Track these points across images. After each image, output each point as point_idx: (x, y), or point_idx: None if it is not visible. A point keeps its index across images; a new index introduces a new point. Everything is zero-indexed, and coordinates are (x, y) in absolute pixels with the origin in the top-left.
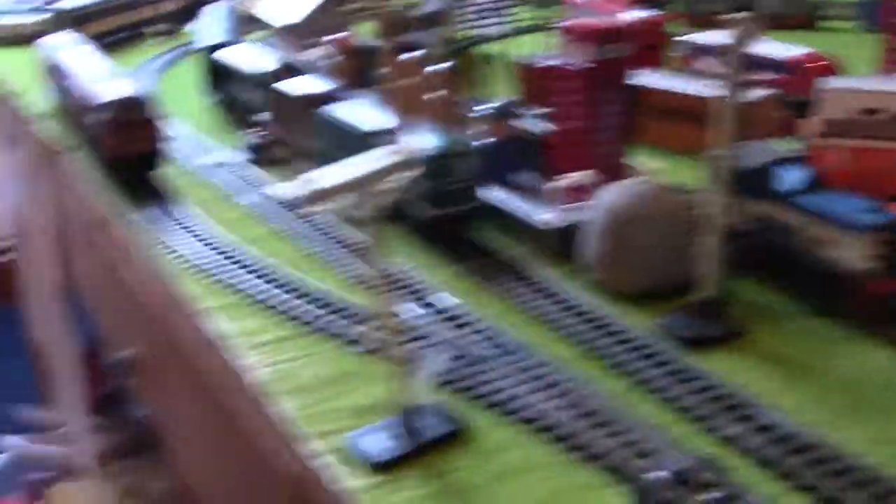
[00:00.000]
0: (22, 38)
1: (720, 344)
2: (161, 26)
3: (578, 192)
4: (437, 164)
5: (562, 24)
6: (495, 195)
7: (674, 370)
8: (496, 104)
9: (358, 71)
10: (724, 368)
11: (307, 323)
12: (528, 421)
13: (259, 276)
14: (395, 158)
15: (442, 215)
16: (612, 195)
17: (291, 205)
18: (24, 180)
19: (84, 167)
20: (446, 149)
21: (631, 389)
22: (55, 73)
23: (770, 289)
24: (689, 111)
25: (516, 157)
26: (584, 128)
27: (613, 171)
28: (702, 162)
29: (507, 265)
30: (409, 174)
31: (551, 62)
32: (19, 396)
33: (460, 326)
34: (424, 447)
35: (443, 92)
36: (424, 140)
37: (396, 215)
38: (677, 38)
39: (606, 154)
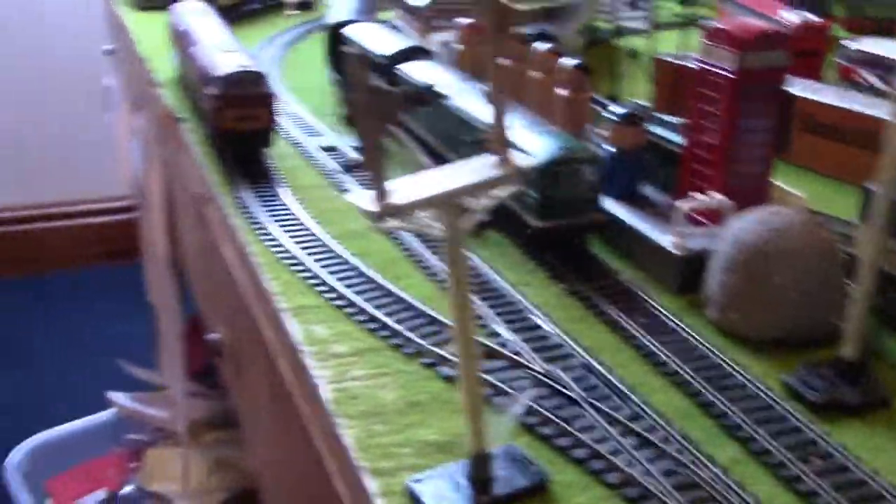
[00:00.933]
0: (158, 3)
1: (858, 414)
2: None
3: (711, 216)
4: (553, 171)
5: (711, 23)
6: (616, 209)
7: (798, 442)
8: (629, 107)
9: (482, 60)
10: (860, 446)
11: (388, 336)
12: (618, 485)
13: (345, 278)
14: (494, 172)
15: (553, 227)
16: (745, 223)
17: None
18: (145, 144)
19: (196, 139)
20: (566, 154)
21: (743, 460)
22: (180, 41)
23: None
24: (851, 130)
25: (644, 169)
26: (726, 143)
27: (753, 196)
28: (860, 191)
29: (619, 291)
30: (507, 190)
31: (695, 64)
32: (138, 355)
33: (554, 359)
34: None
35: (571, 89)
36: (541, 142)
37: (502, 222)
38: (841, 45)
39: (748, 175)
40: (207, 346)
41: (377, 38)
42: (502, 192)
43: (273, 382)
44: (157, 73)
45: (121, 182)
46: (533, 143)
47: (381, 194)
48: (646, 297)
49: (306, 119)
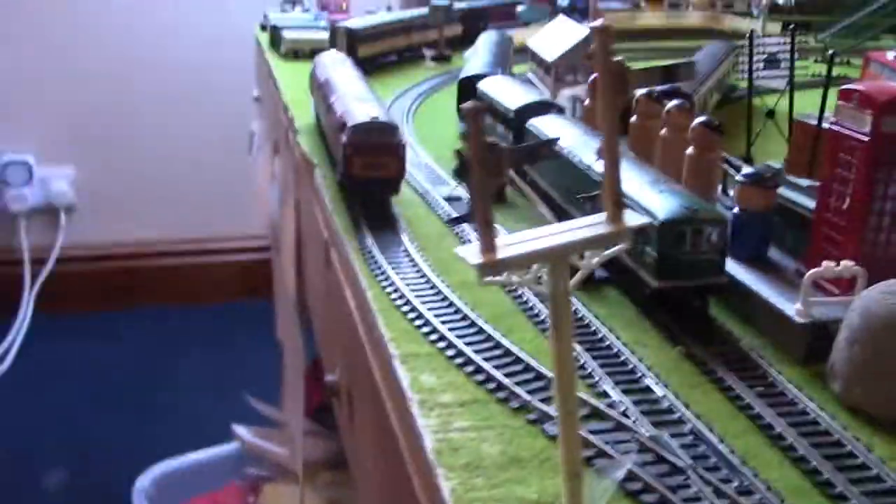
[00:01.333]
0: (303, 53)
1: None
2: (439, 51)
3: (842, 286)
4: (675, 230)
5: (850, 84)
6: (741, 273)
7: None
8: (760, 168)
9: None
10: None
11: (494, 389)
12: None
13: (456, 328)
14: (604, 230)
15: (671, 288)
16: (874, 293)
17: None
18: (282, 187)
19: (328, 184)
20: (689, 214)
21: None
22: (319, 90)
23: None
24: None
25: (772, 233)
26: (859, 209)
27: (889, 267)
28: None
29: (738, 357)
30: (615, 250)
31: (833, 126)
32: (266, 390)
33: (663, 424)
34: None
35: (700, 147)
36: (665, 200)
37: (622, 280)
38: None
39: (883, 244)
40: (325, 386)
41: (507, 92)
42: (611, 251)
43: (380, 427)
44: (296, 119)
45: (260, 222)
46: (656, 201)
47: (488, 248)
48: (766, 366)
49: (434, 169)
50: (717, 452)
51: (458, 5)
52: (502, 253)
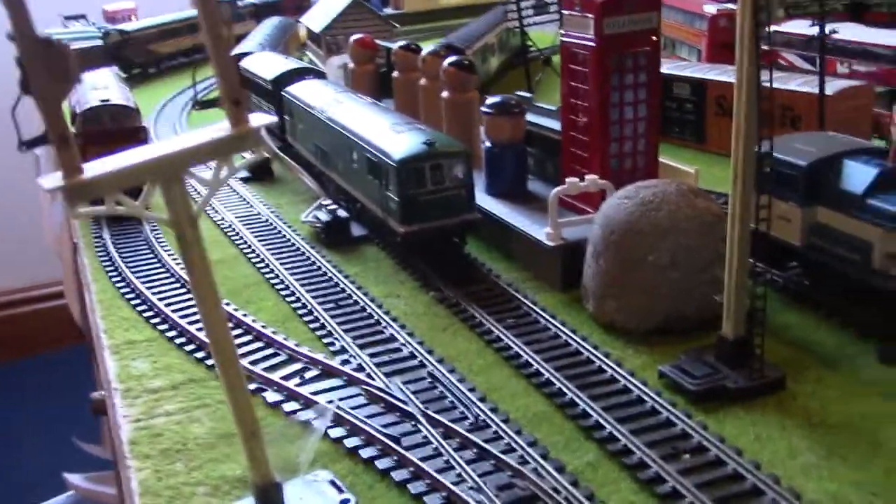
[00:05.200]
0: None
1: (742, 400)
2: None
3: (591, 202)
4: (415, 168)
5: None
6: (496, 207)
7: (666, 438)
8: (505, 97)
9: (375, 73)
10: (742, 436)
11: (213, 366)
12: None
13: (184, 309)
14: (225, 134)
15: (420, 230)
16: (614, 200)
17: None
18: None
19: None
20: (428, 149)
21: (601, 464)
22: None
23: (826, 323)
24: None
25: (527, 162)
26: (597, 119)
27: (636, 176)
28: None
29: (494, 294)
30: (249, 158)
31: (562, 38)
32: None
33: (399, 372)
34: None
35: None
36: (402, 139)
37: (375, 233)
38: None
39: (627, 154)
40: (91, 405)
41: (268, 65)
42: (244, 162)
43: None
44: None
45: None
46: (393, 142)
47: (71, 169)
48: (521, 298)
49: None
50: (454, 392)
51: (247, 0)
52: (93, 172)
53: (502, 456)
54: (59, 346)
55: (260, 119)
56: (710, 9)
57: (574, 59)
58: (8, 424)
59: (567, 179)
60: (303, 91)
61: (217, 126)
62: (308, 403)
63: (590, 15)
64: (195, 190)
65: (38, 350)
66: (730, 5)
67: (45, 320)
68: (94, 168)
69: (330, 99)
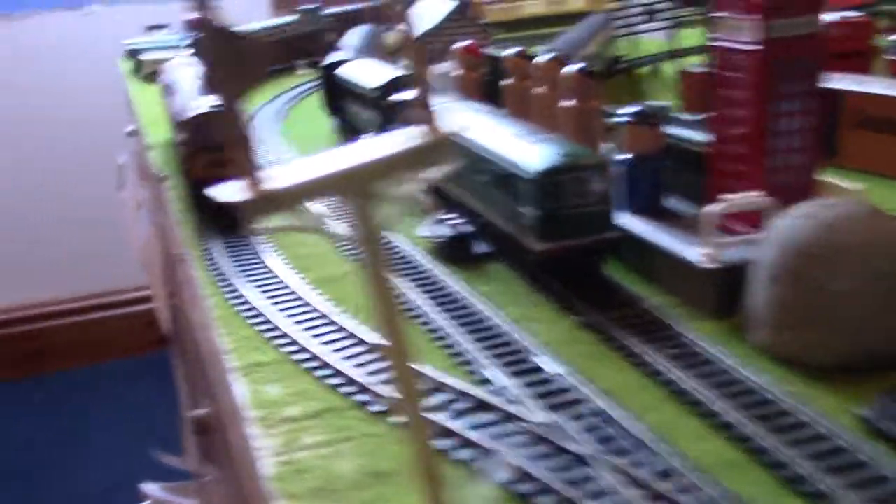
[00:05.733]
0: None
1: None
2: (311, 55)
3: (749, 220)
4: (555, 182)
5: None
6: (635, 224)
7: (889, 495)
8: (643, 106)
9: (481, 81)
10: None
11: (352, 393)
12: None
13: (311, 328)
14: (416, 143)
15: (559, 249)
16: (791, 220)
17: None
18: (149, 213)
19: (178, 196)
20: (569, 161)
21: None
22: (164, 95)
23: None
24: None
25: (665, 175)
26: (758, 130)
27: (799, 192)
28: None
29: (643, 320)
30: (435, 170)
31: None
32: (171, 443)
33: (559, 406)
34: None
35: (576, 98)
36: (538, 150)
37: (503, 251)
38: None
39: (789, 168)
40: (191, 424)
41: (368, 72)
42: (430, 172)
43: (227, 454)
44: (151, 136)
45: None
46: (529, 152)
47: (253, 179)
48: (674, 326)
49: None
50: (628, 433)
51: (329, 10)
52: (276, 184)
53: None
54: (134, 353)
55: (455, 125)
56: (830, 17)
57: (730, 64)
58: (81, 430)
59: (723, 196)
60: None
61: (409, 133)
62: (465, 442)
63: (753, 16)
64: None
65: (112, 356)
66: (849, 13)
67: (119, 326)
68: (276, 179)
69: (445, 108)
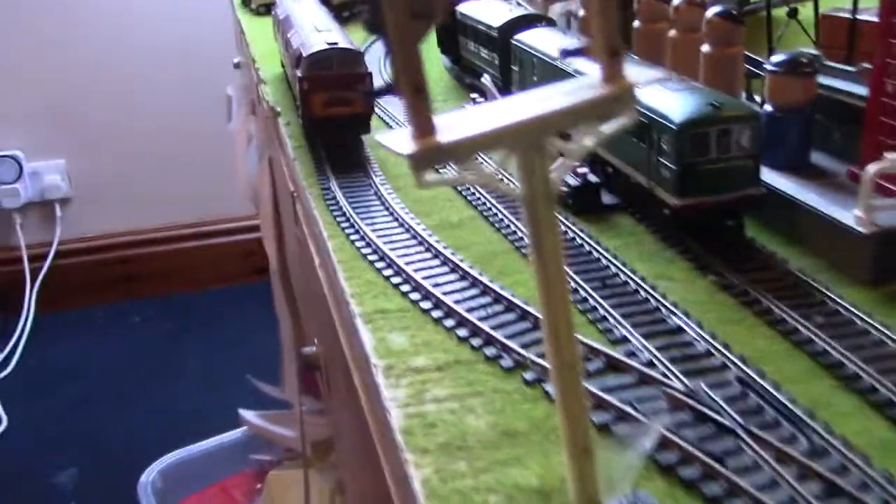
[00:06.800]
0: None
1: None
2: None
3: None
4: (697, 133)
5: None
6: (780, 182)
7: None
8: (794, 53)
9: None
10: None
11: (480, 346)
12: None
13: (433, 276)
14: (596, 93)
15: (698, 205)
16: None
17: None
18: (258, 147)
19: (293, 132)
20: (713, 112)
21: None
22: (279, 29)
23: None
24: None
25: (815, 130)
26: None
27: None
28: None
29: (788, 283)
30: (616, 122)
31: None
32: (271, 372)
33: (700, 372)
34: None
35: (717, 44)
36: (681, 99)
37: (635, 203)
38: None
39: None
40: (303, 359)
41: (489, 10)
42: (610, 125)
43: (352, 403)
44: (263, 70)
45: (242, 191)
46: (670, 101)
47: (422, 130)
48: (824, 291)
49: None
50: (775, 404)
51: None
52: (445, 136)
53: (859, 494)
54: (232, 282)
55: (639, 75)
56: None
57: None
58: (181, 355)
59: (886, 155)
60: (537, 40)
61: (582, 82)
62: (599, 403)
63: None
64: None
65: (211, 283)
66: None
67: (217, 254)
68: (447, 129)
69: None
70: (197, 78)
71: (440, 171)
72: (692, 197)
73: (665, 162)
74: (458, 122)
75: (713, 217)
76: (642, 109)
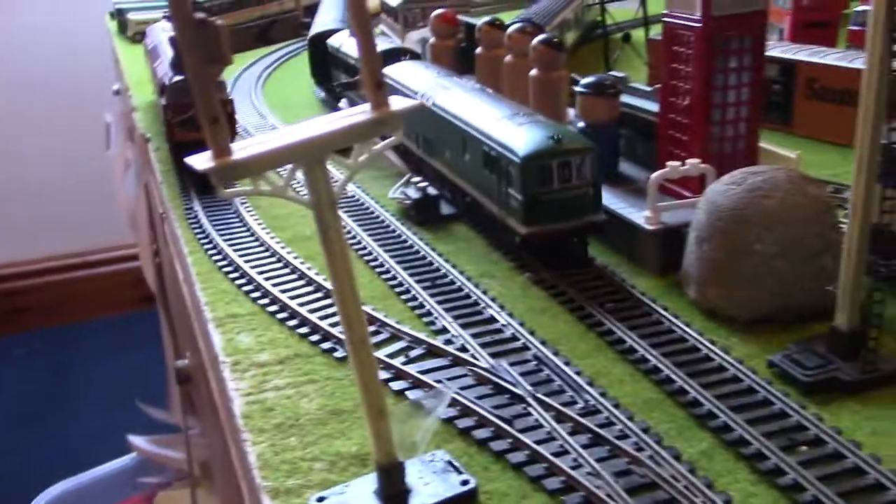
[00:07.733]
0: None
1: (856, 393)
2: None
3: (692, 186)
4: (541, 164)
5: None
6: None
7: (782, 429)
8: (600, 77)
9: (455, 49)
10: (859, 429)
11: (319, 341)
12: (560, 491)
13: (282, 283)
14: (365, 117)
15: (542, 233)
16: (720, 186)
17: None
18: (135, 172)
19: (162, 157)
20: (555, 144)
21: (716, 453)
22: (149, 59)
23: None
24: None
25: (624, 143)
26: (700, 102)
27: (739, 160)
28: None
29: (590, 277)
30: (386, 143)
31: (666, 18)
32: (161, 397)
33: (504, 353)
34: None
35: (543, 68)
36: (524, 133)
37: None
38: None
39: (729, 137)
40: (175, 373)
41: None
42: (382, 145)
43: (210, 401)
44: (136, 97)
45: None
46: (515, 135)
47: (219, 150)
48: (619, 282)
49: (276, 126)
50: (562, 375)
51: None
52: (240, 154)
53: (618, 442)
54: (120, 311)
55: (401, 103)
56: None
57: (677, 39)
58: (70, 385)
59: (667, 163)
60: (401, 74)
61: (356, 109)
62: (416, 383)
63: None
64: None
65: (99, 312)
66: None
67: (105, 284)
68: (243, 149)
69: (433, 84)
70: (76, 112)
71: (236, 185)
72: (538, 225)
73: (513, 193)
74: (253, 144)
75: (558, 242)
76: (491, 143)
